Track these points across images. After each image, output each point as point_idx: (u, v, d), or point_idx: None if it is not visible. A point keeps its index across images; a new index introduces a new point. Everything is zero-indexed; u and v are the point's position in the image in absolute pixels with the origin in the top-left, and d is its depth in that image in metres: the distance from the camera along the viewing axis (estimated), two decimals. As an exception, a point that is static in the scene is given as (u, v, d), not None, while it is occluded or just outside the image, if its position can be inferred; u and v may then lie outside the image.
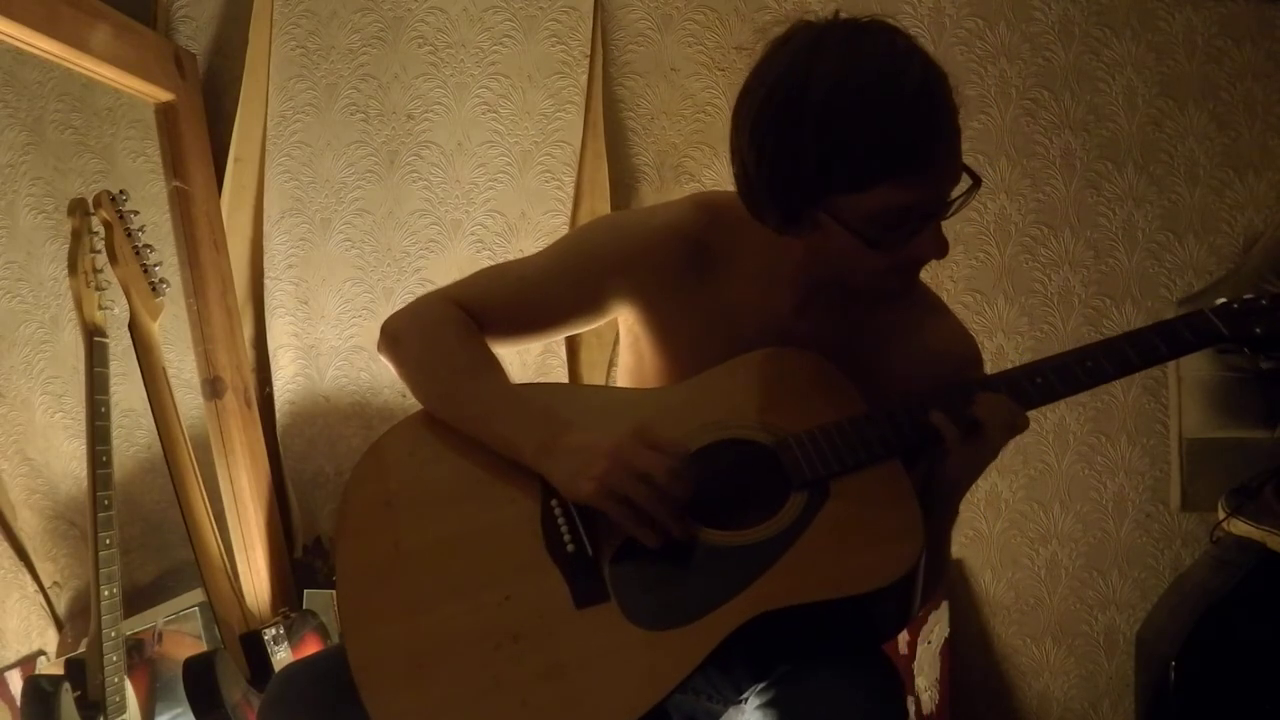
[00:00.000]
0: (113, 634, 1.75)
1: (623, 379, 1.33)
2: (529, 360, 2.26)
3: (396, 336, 1.23)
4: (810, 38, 1.04)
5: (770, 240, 1.15)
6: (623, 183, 2.27)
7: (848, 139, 1.00)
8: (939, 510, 1.14)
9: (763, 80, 1.05)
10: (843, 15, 1.06)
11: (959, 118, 1.04)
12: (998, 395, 1.11)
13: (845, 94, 0.99)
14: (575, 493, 1.08)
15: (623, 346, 1.32)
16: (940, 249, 1.08)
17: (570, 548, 1.08)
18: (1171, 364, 2.04)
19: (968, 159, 1.08)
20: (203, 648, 2.11)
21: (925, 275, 1.19)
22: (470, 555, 1.10)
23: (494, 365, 1.20)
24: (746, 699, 1.05)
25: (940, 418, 1.09)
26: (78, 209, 1.83)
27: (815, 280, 1.18)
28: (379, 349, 1.24)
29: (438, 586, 1.08)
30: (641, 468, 1.05)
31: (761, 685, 1.04)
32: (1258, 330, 1.11)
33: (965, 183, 1.08)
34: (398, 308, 1.27)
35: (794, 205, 1.07)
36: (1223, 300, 1.13)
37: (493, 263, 2.23)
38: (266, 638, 1.97)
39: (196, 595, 2.16)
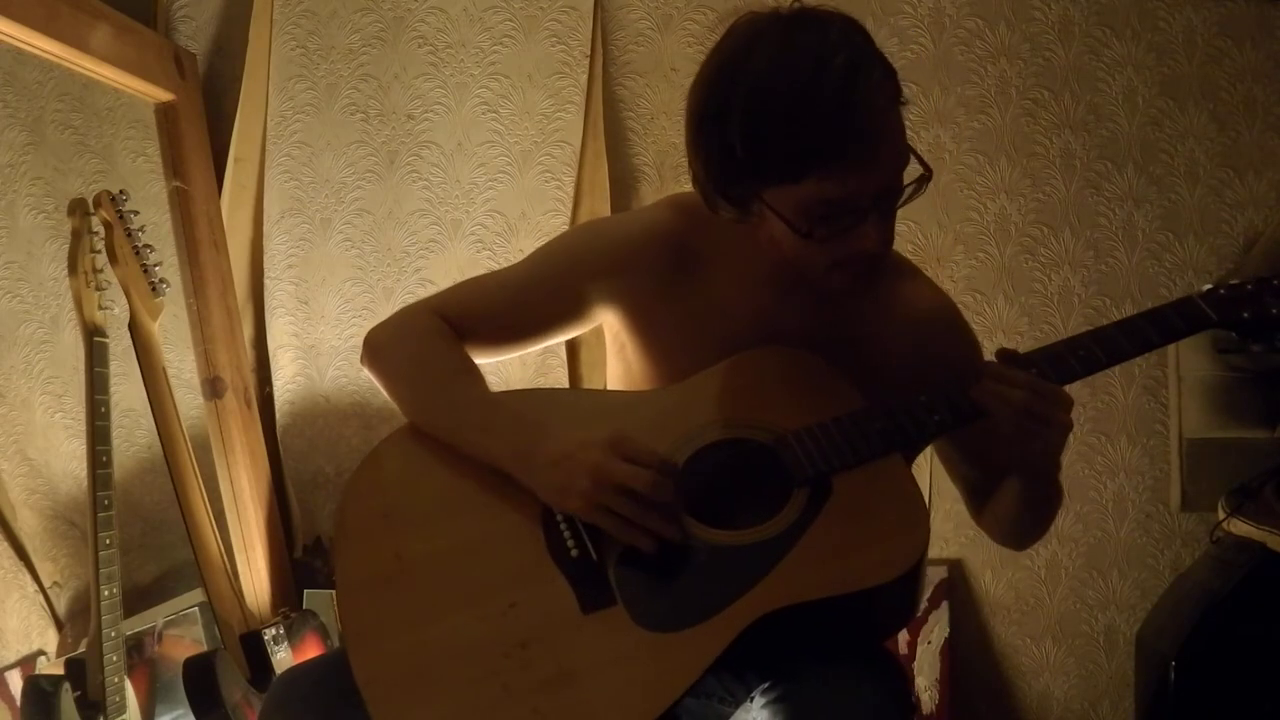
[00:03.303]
0: (113, 634, 1.75)
1: (612, 387, 1.33)
2: (529, 360, 2.26)
3: (378, 349, 1.22)
4: (748, 31, 1.06)
5: (746, 237, 1.16)
6: (623, 183, 2.27)
7: (771, 132, 1.02)
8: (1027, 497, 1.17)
9: (703, 75, 1.08)
10: (793, 5, 1.07)
11: (892, 113, 1.05)
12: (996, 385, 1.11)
13: (770, 87, 1.01)
14: (562, 506, 1.08)
15: (610, 354, 1.31)
16: (876, 243, 1.08)
17: (574, 553, 1.08)
18: (1172, 364, 2.05)
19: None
20: (203, 648, 2.11)
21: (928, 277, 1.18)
22: (473, 564, 1.08)
23: (472, 373, 1.19)
24: (753, 697, 1.05)
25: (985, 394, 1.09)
26: (78, 209, 1.83)
27: (791, 273, 1.17)
28: (362, 362, 1.24)
29: (442, 596, 1.07)
30: (623, 482, 1.04)
31: (767, 683, 1.04)
32: (1245, 315, 1.12)
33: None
34: (398, 308, 1.27)
35: (735, 198, 1.09)
36: (1209, 286, 1.14)
37: (493, 262, 2.27)
38: (266, 638, 1.97)
39: (196, 595, 2.16)
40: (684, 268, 1.20)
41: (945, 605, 2.14)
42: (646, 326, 1.22)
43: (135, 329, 1.89)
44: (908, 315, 1.22)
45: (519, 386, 2.19)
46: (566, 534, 1.09)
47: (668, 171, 2.26)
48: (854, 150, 1.02)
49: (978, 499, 1.29)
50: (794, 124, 1.01)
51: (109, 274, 1.86)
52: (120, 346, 1.89)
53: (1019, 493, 1.17)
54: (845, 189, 1.04)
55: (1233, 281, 1.14)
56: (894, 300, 1.22)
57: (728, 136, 1.04)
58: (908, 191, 1.08)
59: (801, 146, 1.01)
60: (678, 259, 1.20)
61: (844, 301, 1.20)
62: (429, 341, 1.20)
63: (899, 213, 1.11)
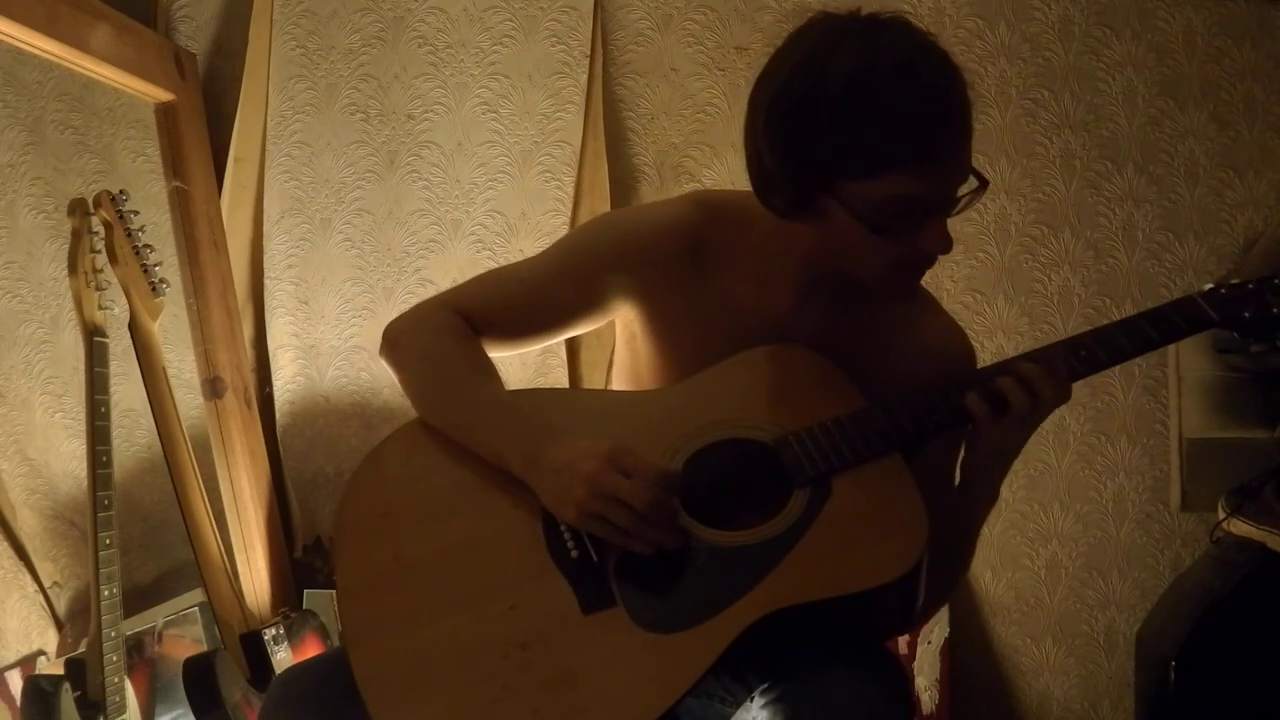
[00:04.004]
0: (113, 634, 1.75)
1: (617, 375, 1.33)
2: (529, 360, 2.26)
3: (396, 342, 1.23)
4: (831, 27, 1.06)
5: (770, 237, 1.16)
6: (623, 183, 2.27)
7: (862, 124, 1.01)
8: (976, 493, 1.16)
9: (782, 65, 1.07)
10: (863, 12, 1.08)
11: (972, 117, 1.06)
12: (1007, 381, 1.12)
13: (863, 80, 1.01)
14: (560, 514, 1.08)
15: (618, 344, 1.31)
16: (944, 244, 1.08)
17: (574, 554, 1.08)
18: (1172, 364, 2.04)
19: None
20: (203, 648, 2.11)
21: (926, 276, 1.19)
22: (473, 564, 1.08)
23: (488, 372, 1.19)
24: (753, 697, 1.05)
25: (973, 399, 1.10)
26: (78, 209, 1.83)
27: (816, 276, 1.18)
28: (380, 354, 1.24)
29: (442, 596, 1.06)
30: (620, 496, 1.04)
31: (767, 684, 1.04)
32: (1246, 314, 1.12)
33: (972, 183, 1.09)
34: (398, 308, 1.27)
35: (805, 190, 1.07)
36: (1210, 285, 1.14)
37: (493, 262, 2.27)
38: (266, 638, 1.97)
39: (196, 595, 2.16)
40: (701, 264, 1.20)
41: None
42: (660, 320, 1.22)
43: (135, 329, 1.89)
44: (923, 341, 1.23)
45: (519, 386, 2.20)
46: (567, 535, 1.09)
47: (668, 171, 2.26)
48: (946, 146, 1.04)
49: None
50: (891, 116, 1.01)
51: (109, 274, 1.86)
52: (120, 346, 1.89)
53: (970, 500, 1.18)
54: (924, 185, 1.04)
55: (1234, 281, 1.14)
56: (912, 325, 1.23)
57: (816, 126, 1.03)
58: (965, 200, 1.08)
59: (896, 139, 1.01)
60: (696, 255, 1.20)
61: (861, 314, 1.21)
62: (444, 337, 1.20)
63: None
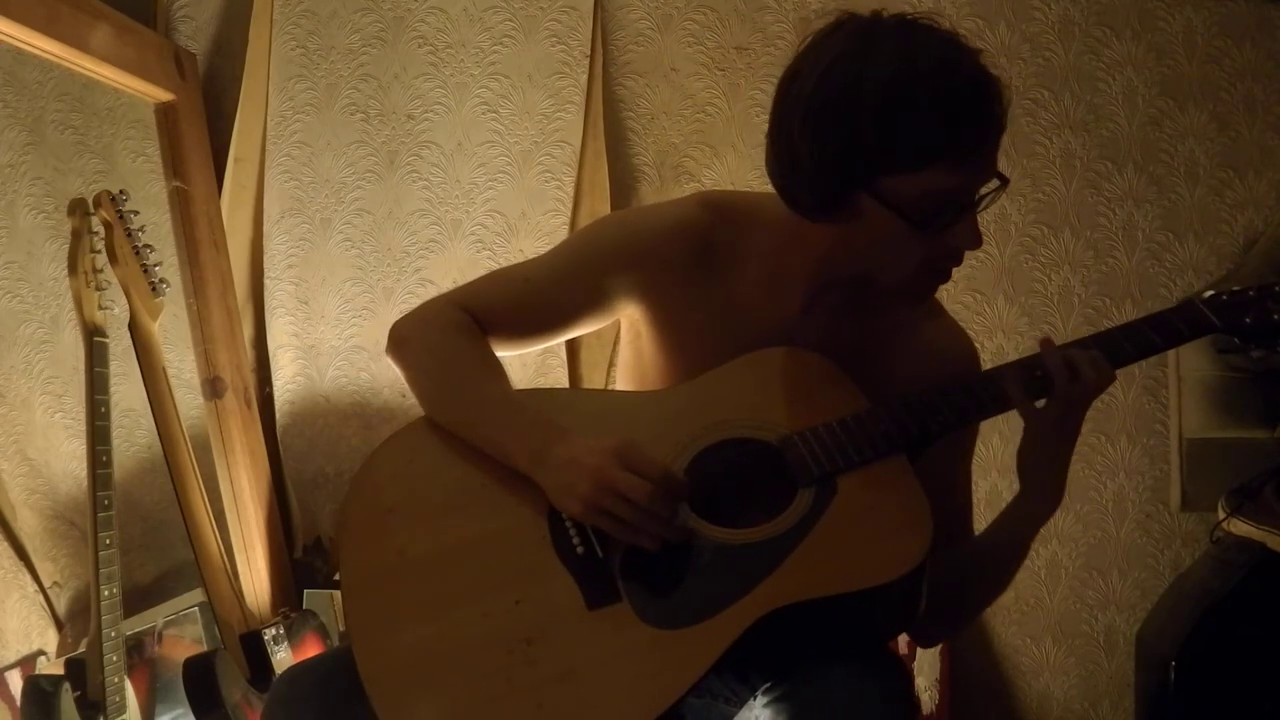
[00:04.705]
0: (113, 634, 1.75)
1: (622, 375, 1.34)
2: (529, 360, 2.26)
3: (402, 341, 1.23)
4: (863, 25, 1.07)
5: (778, 240, 1.17)
6: (623, 183, 2.27)
7: (907, 117, 1.02)
8: (1024, 499, 1.16)
9: (816, 63, 1.07)
10: (885, 12, 1.09)
11: (1007, 113, 1.07)
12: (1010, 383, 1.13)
13: (907, 74, 1.02)
14: (565, 509, 1.09)
15: (623, 343, 1.32)
16: (977, 239, 1.10)
17: (580, 550, 1.08)
18: (1172, 364, 2.05)
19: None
20: (203, 648, 2.11)
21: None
22: (478, 560, 1.09)
23: (495, 370, 1.20)
24: (755, 696, 1.06)
25: (1014, 388, 1.12)
26: (78, 209, 1.83)
27: (827, 280, 1.18)
28: (386, 352, 1.25)
29: (446, 593, 1.07)
30: (623, 491, 1.05)
31: (769, 683, 1.04)
32: (1247, 320, 1.13)
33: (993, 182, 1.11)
34: (398, 308, 1.27)
35: (841, 188, 1.08)
36: (1212, 291, 1.15)
37: (493, 262, 2.27)
38: (266, 638, 1.97)
39: (196, 595, 2.16)
40: (709, 265, 1.20)
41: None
42: (666, 321, 1.22)
43: (135, 329, 1.89)
44: (927, 343, 1.23)
45: (520, 387, 2.20)
46: (572, 531, 1.09)
47: (668, 171, 2.26)
48: (987, 138, 1.06)
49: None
50: (934, 106, 1.02)
51: (109, 274, 1.86)
52: (120, 346, 1.89)
53: (1027, 512, 1.17)
54: (963, 178, 1.06)
55: (1235, 287, 1.15)
56: (915, 328, 1.24)
57: (859, 121, 1.03)
58: (989, 196, 1.10)
59: (940, 127, 1.02)
60: (703, 256, 1.20)
61: (866, 318, 1.21)
62: (452, 336, 1.20)
63: None
